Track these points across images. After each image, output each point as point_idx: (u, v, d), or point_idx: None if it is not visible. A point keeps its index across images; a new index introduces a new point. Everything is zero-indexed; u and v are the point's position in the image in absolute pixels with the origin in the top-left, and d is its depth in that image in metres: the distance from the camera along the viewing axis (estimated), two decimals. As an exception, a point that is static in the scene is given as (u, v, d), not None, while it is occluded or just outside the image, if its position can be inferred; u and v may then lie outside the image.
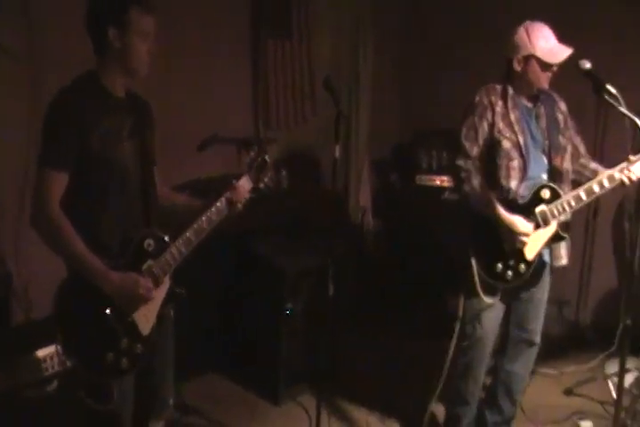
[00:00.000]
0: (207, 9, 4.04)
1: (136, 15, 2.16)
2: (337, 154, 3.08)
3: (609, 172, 2.87)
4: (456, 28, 5.21)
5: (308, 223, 4.05)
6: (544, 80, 2.89)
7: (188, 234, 2.31)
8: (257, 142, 2.55)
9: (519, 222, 2.84)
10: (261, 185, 2.57)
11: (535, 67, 2.83)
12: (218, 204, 2.39)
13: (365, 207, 5.21)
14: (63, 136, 2.09)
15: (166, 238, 2.29)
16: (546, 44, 2.80)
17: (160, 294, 2.27)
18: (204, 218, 2.34)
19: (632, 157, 2.82)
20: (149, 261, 2.23)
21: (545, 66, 2.82)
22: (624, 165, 2.84)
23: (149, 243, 2.23)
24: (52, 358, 2.86)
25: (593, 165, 3.07)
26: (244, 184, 2.48)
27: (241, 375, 3.82)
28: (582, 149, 3.11)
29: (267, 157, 2.56)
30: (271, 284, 3.62)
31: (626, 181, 2.83)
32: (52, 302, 2.10)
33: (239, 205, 2.45)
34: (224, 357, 3.84)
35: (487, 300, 2.96)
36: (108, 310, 2.12)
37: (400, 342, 4.44)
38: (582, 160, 3.09)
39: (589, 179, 2.94)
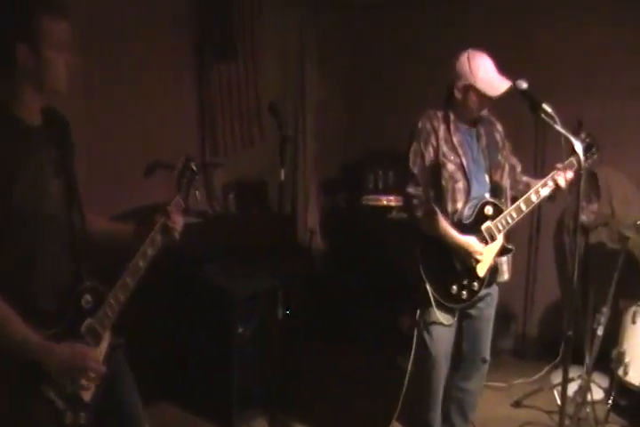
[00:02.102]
0: (151, 34, 4.03)
1: (48, 25, 1.83)
2: (282, 177, 3.13)
3: (542, 181, 3.00)
4: (400, 52, 5.35)
5: (257, 246, 4.05)
6: (483, 108, 2.98)
7: (124, 278, 2.07)
8: (184, 158, 2.32)
9: (473, 242, 2.92)
10: (191, 199, 2.34)
11: (474, 97, 2.90)
12: (151, 234, 2.13)
13: (314, 228, 5.25)
14: None
15: (102, 289, 2.04)
16: (486, 75, 2.85)
17: (100, 352, 2.04)
18: (138, 254, 2.09)
19: (559, 165, 2.98)
20: (88, 320, 1.99)
21: (484, 96, 2.88)
22: (554, 172, 2.99)
23: (87, 299, 1.99)
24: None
25: (525, 178, 3.19)
26: (177, 206, 2.25)
27: (193, 403, 3.76)
28: (519, 167, 3.22)
29: (193, 167, 2.30)
30: (221, 308, 3.59)
31: (560, 183, 2.96)
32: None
33: (176, 234, 2.20)
34: (174, 385, 3.77)
35: (445, 321, 3.00)
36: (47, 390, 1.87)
37: (352, 361, 4.44)
38: (517, 176, 3.21)
39: (524, 192, 3.04)
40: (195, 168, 2.30)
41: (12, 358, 1.83)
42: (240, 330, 3.57)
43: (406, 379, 3.19)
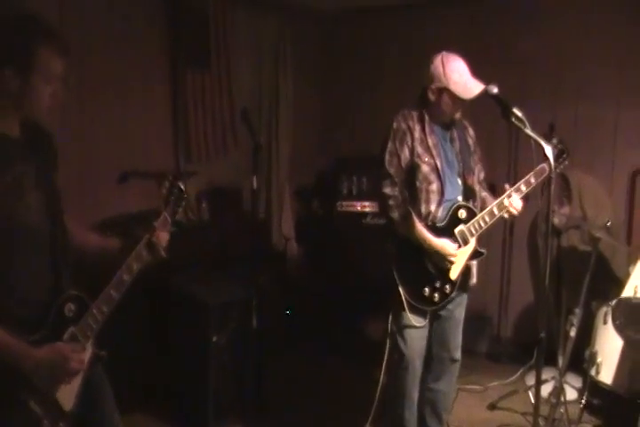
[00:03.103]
0: (124, 43, 4.03)
1: (44, 57, 1.85)
2: (255, 185, 3.14)
3: (496, 201, 3.01)
4: (374, 60, 5.41)
5: (231, 254, 4.04)
6: (456, 111, 3.00)
7: (108, 290, 2.05)
8: (171, 173, 2.32)
9: (447, 245, 2.94)
10: (178, 217, 2.31)
11: (447, 99, 2.92)
12: (137, 249, 2.11)
13: (288, 235, 5.26)
14: None
15: (86, 299, 2.02)
16: (459, 78, 2.88)
17: (84, 364, 2.01)
18: (123, 267, 2.07)
19: (507, 186, 3.01)
20: (71, 328, 1.97)
21: (457, 99, 2.90)
22: (505, 194, 2.99)
23: (70, 308, 1.97)
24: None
25: (483, 193, 3.19)
26: (164, 222, 2.21)
27: (169, 412, 3.73)
28: (482, 175, 3.22)
29: (181, 186, 2.27)
30: (195, 317, 3.58)
31: (514, 208, 2.99)
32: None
33: (161, 250, 2.17)
34: (150, 394, 3.74)
35: (417, 323, 3.02)
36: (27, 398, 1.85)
37: (328, 367, 4.48)
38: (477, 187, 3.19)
39: (480, 207, 3.08)
40: (182, 187, 2.26)
41: None
42: (215, 339, 3.55)
43: (380, 383, 3.20)
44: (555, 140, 3.09)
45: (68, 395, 1.98)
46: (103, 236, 2.27)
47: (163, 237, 2.19)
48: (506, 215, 3.02)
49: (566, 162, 3.18)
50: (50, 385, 1.91)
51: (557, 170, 3.17)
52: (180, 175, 2.36)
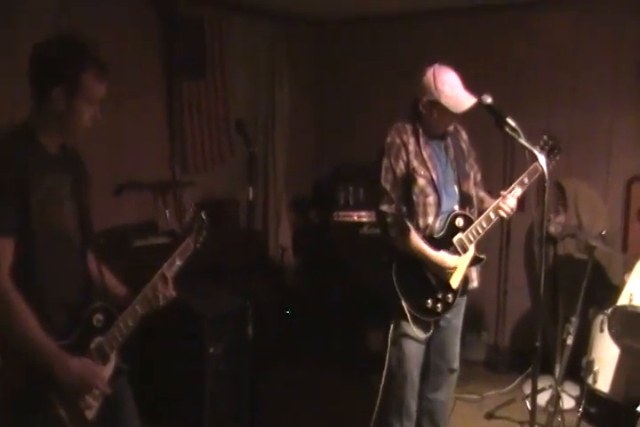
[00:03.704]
0: (119, 52, 4.01)
1: (90, 80, 1.98)
2: (250, 195, 3.13)
3: (494, 203, 3.01)
4: (370, 69, 5.42)
5: (228, 265, 4.04)
6: (448, 124, 3.00)
7: (134, 305, 2.15)
8: (195, 206, 2.42)
9: (447, 258, 2.94)
10: (198, 246, 2.40)
11: (438, 112, 2.91)
12: (169, 260, 2.26)
13: (285, 245, 5.26)
14: (5, 196, 1.88)
15: (114, 311, 2.12)
16: (451, 91, 2.86)
17: (107, 372, 2.10)
18: (148, 285, 2.19)
19: (503, 192, 2.98)
20: (98, 338, 2.07)
21: (448, 112, 2.89)
22: (500, 199, 2.98)
23: (98, 318, 2.07)
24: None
25: (481, 193, 3.20)
26: (186, 249, 2.33)
27: (165, 423, 3.70)
28: (478, 176, 3.21)
29: (203, 216, 2.40)
30: (191, 328, 3.57)
31: (505, 211, 2.96)
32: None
33: (160, 300, 2.22)
34: (146, 405, 3.73)
35: (420, 335, 3.02)
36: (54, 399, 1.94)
37: (326, 378, 4.46)
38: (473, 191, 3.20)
39: (477, 208, 3.09)
40: (204, 217, 2.40)
41: (25, 367, 1.90)
42: (211, 350, 3.55)
43: (379, 394, 3.19)
44: (545, 137, 3.06)
45: (90, 404, 2.05)
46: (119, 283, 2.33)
47: (167, 291, 2.23)
48: (503, 214, 2.99)
49: (558, 157, 3.12)
50: (76, 393, 1.99)
51: (550, 167, 3.16)
52: (202, 205, 2.46)
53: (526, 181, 3.00)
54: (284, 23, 5.25)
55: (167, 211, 4.13)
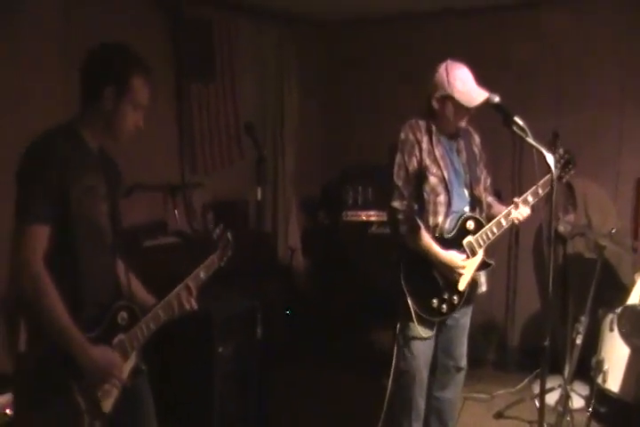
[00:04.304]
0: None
1: (138, 83, 2.09)
2: (259, 197, 3.15)
3: (504, 211, 3.01)
4: (378, 70, 5.43)
5: (237, 266, 4.05)
6: (461, 119, 2.98)
7: (156, 310, 2.23)
8: (222, 227, 2.55)
9: (455, 258, 2.94)
10: (222, 264, 2.55)
11: (451, 107, 2.91)
12: (201, 266, 2.41)
13: (294, 246, 5.27)
14: (45, 186, 1.95)
15: (138, 312, 2.19)
16: (463, 86, 2.87)
17: (126, 370, 2.16)
18: (173, 293, 2.29)
19: (517, 199, 2.98)
20: (120, 336, 2.13)
21: (461, 107, 2.90)
22: (512, 206, 2.98)
23: (123, 316, 2.14)
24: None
25: (489, 198, 3.20)
26: (210, 265, 2.47)
27: (173, 423, 3.72)
28: (488, 181, 3.21)
29: (229, 236, 2.54)
30: (200, 329, 3.57)
31: (517, 219, 2.98)
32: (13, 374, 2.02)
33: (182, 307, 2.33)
34: (155, 406, 3.74)
35: (424, 334, 3.02)
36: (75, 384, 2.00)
37: (335, 378, 4.46)
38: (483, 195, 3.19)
39: (486, 213, 3.08)
40: (230, 238, 2.53)
41: (49, 353, 1.96)
42: (220, 350, 3.56)
43: (387, 394, 3.20)
44: (561, 151, 3.10)
45: (107, 398, 2.10)
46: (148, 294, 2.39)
47: (190, 301, 2.35)
48: (515, 221, 3.00)
49: (572, 172, 3.17)
50: (95, 383, 2.04)
51: (563, 180, 3.19)
52: (226, 227, 2.56)
53: (540, 191, 3.00)
54: (292, 25, 5.27)
55: (176, 211, 4.15)
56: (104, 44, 2.13)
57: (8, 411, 2.84)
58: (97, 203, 2.10)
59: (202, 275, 2.41)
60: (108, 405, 2.10)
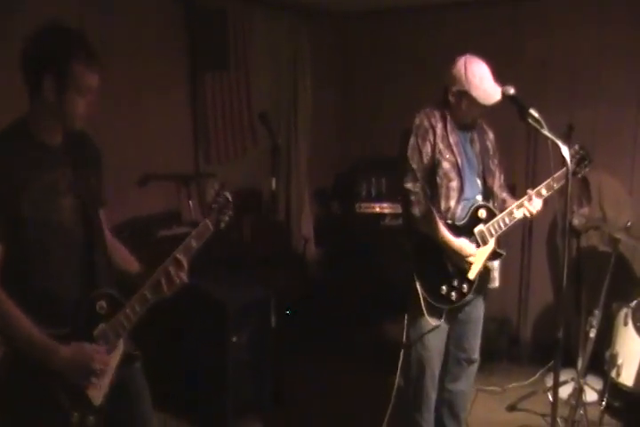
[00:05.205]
0: (143, 44, 4.05)
1: (79, 69, 1.94)
2: (273, 186, 3.16)
3: (516, 202, 3.01)
4: (392, 60, 5.41)
5: (250, 255, 4.06)
6: (475, 114, 3.00)
7: (142, 291, 2.10)
8: (219, 185, 2.30)
9: (465, 245, 2.94)
10: (222, 225, 2.27)
11: (467, 102, 2.92)
12: (186, 241, 2.16)
13: (308, 236, 5.27)
14: None
15: (119, 297, 2.09)
16: (480, 83, 2.87)
17: (113, 360, 2.08)
18: (159, 270, 2.12)
19: (530, 191, 2.99)
20: (102, 325, 2.05)
21: (477, 104, 2.90)
22: (525, 197, 2.99)
23: (102, 305, 2.04)
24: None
25: (504, 194, 3.19)
26: (204, 231, 2.20)
27: (187, 412, 3.73)
28: (502, 178, 3.22)
29: (228, 196, 2.27)
30: (214, 318, 3.59)
31: (530, 211, 2.98)
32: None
33: (170, 286, 2.14)
34: (169, 394, 3.75)
35: (433, 322, 3.02)
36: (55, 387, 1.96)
37: (346, 368, 4.47)
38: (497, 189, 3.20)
39: (500, 208, 3.08)
40: (230, 197, 2.27)
41: (26, 357, 1.92)
42: (234, 339, 3.58)
43: (395, 386, 3.20)
44: (577, 147, 3.09)
45: (97, 391, 2.05)
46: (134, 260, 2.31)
47: (180, 276, 2.15)
48: (527, 213, 2.99)
49: (587, 169, 3.15)
50: (77, 381, 1.99)
51: (579, 176, 3.17)
52: (226, 185, 2.34)
53: (554, 185, 3.00)
54: (306, 15, 5.24)
55: (190, 202, 4.16)
56: (37, 31, 1.97)
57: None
58: (57, 199, 2.00)
59: (193, 244, 2.17)
60: (98, 398, 2.06)
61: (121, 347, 2.13)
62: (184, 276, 2.15)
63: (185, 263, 2.14)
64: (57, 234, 2.00)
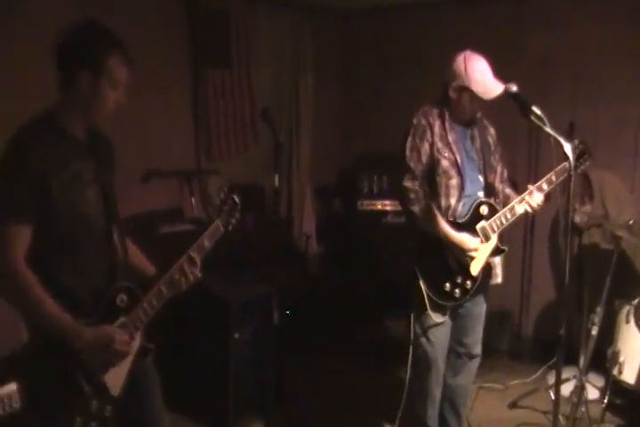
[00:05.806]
0: (145, 41, 4.01)
1: (114, 63, 2.05)
2: (276, 183, 3.16)
3: (519, 197, 3.01)
4: (394, 58, 5.41)
5: (253, 252, 4.06)
6: (476, 110, 3.01)
7: (159, 286, 2.19)
8: (228, 188, 2.42)
9: (467, 239, 2.95)
10: (230, 228, 2.40)
11: (467, 98, 2.93)
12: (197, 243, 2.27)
13: (309, 233, 5.28)
14: (22, 186, 1.93)
15: (138, 292, 2.16)
16: (481, 78, 2.88)
17: (131, 351, 2.14)
18: (174, 267, 2.22)
19: (531, 186, 2.98)
20: (122, 318, 2.12)
21: (478, 98, 2.90)
22: (527, 192, 2.99)
23: (122, 298, 2.12)
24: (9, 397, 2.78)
25: (507, 190, 3.19)
26: (215, 231, 2.33)
27: (189, 408, 3.73)
28: (505, 173, 3.22)
29: (236, 198, 2.39)
30: (217, 314, 3.60)
31: (531, 205, 2.98)
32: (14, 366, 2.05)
33: (183, 284, 2.25)
34: (170, 390, 3.77)
35: (437, 319, 3.03)
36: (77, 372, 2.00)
37: (350, 365, 4.48)
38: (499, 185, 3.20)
39: (504, 203, 3.08)
40: (237, 200, 2.40)
41: (49, 342, 1.98)
42: (236, 335, 3.58)
43: (407, 381, 3.20)
44: (576, 141, 3.09)
45: (115, 381, 2.11)
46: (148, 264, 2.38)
47: (193, 272, 2.26)
48: (528, 208, 3.00)
49: (587, 163, 3.16)
50: (98, 366, 2.05)
51: (579, 171, 3.17)
52: (234, 187, 2.45)
53: (554, 179, 3.01)
54: (308, 11, 5.23)
55: (192, 198, 4.17)
56: (72, 27, 2.07)
57: (13, 401, 2.82)
58: (84, 190, 2.08)
59: (206, 244, 2.30)
60: (116, 388, 2.11)
61: (138, 340, 2.20)
62: (198, 272, 2.26)
63: (198, 261, 2.26)
64: (80, 222, 2.07)
